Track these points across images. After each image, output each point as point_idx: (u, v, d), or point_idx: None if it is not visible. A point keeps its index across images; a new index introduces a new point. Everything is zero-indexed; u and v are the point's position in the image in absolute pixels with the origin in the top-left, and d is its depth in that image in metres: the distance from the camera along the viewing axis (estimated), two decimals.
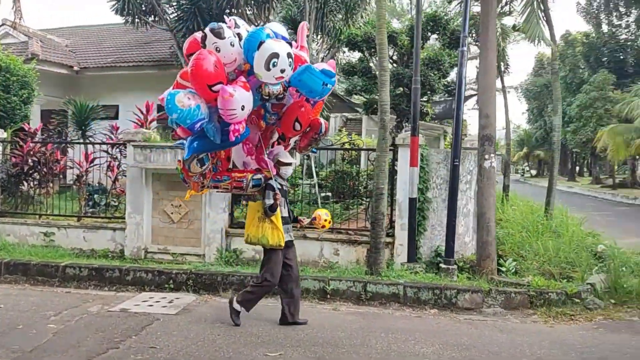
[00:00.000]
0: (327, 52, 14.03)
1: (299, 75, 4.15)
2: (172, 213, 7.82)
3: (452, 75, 11.10)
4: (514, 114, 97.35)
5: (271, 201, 4.67)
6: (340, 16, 12.31)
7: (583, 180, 40.69)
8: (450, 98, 13.16)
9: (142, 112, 9.64)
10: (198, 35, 4.26)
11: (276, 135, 4.76)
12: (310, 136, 4.72)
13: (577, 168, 50.86)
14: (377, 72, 6.78)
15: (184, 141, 4.38)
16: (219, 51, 3.97)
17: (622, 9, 32.74)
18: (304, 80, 4.15)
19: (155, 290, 6.42)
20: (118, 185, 9.01)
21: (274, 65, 3.87)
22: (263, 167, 4.73)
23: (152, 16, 12.67)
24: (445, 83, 10.66)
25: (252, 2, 11.57)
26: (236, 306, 4.99)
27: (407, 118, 10.10)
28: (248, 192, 4.79)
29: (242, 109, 3.96)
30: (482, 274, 6.44)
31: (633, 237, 10.96)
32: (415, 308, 5.84)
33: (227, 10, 11.99)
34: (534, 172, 62.07)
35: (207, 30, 4.02)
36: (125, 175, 8.60)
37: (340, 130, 17.91)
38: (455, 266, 6.57)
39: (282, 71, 3.96)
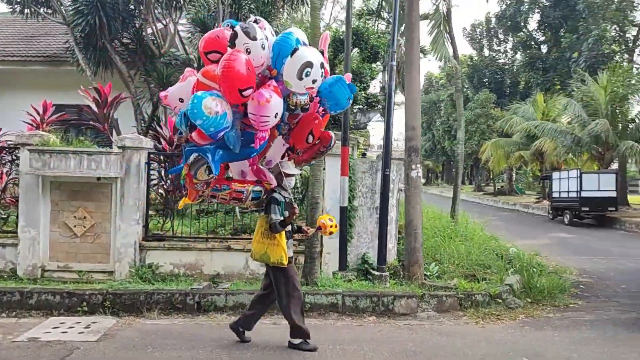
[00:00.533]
0: None
1: (330, 86, 3.93)
2: (74, 226, 6.99)
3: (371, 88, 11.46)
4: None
5: (278, 216, 4.37)
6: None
7: (466, 188, 44.66)
8: (362, 109, 13.59)
9: (37, 113, 8.53)
10: (221, 32, 3.87)
11: (285, 147, 4.38)
12: (317, 149, 4.47)
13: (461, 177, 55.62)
14: None
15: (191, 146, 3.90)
16: (249, 53, 3.61)
17: (501, 36, 36.73)
18: (334, 92, 3.95)
19: (65, 314, 5.66)
20: (7, 195, 7.87)
21: (306, 75, 3.62)
22: (262, 178, 4.40)
23: (46, 7, 11.34)
24: (366, 95, 10.91)
25: (162, 0, 10.90)
26: (296, 342, 4.63)
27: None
28: (246, 204, 4.45)
29: (275, 117, 3.67)
30: (411, 280, 6.65)
31: (523, 239, 12.22)
32: (354, 317, 5.82)
33: (133, 7, 11.18)
34: (423, 180, 66.74)
35: (237, 28, 3.67)
36: (17, 184, 7.53)
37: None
38: (387, 273, 6.70)
39: (314, 82, 3.72)
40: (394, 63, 7.03)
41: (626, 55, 25.17)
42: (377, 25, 15.51)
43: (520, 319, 5.85)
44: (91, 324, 5.27)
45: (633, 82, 20.47)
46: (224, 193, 4.26)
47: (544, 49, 32.18)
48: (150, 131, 10.50)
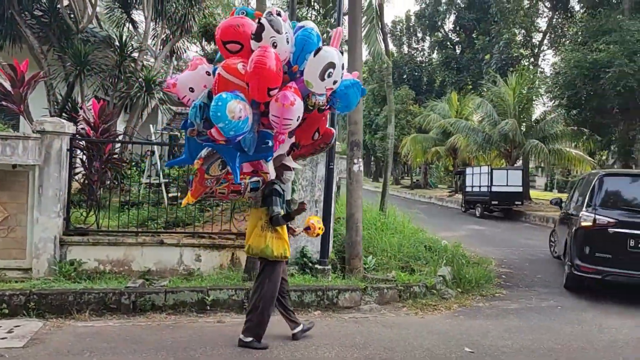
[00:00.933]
0: (164, 40, 12.94)
1: (346, 88, 3.86)
2: None
3: None
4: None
5: (279, 209, 4.21)
6: (182, 1, 11.46)
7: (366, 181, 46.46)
8: None
9: None
10: (240, 21, 3.59)
11: (289, 143, 4.24)
12: (318, 145, 4.38)
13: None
14: None
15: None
16: (275, 47, 3.39)
17: (419, 35, 38.41)
18: (349, 95, 3.91)
19: None
20: None
21: (328, 76, 3.50)
22: (259, 169, 4.18)
23: None
24: None
25: None
26: (248, 339, 4.41)
27: None
28: (246, 196, 4.25)
29: (297, 120, 3.56)
30: (352, 273, 6.75)
31: (443, 232, 12.93)
32: (300, 312, 5.77)
33: None
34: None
35: (264, 20, 3.46)
36: None
37: (169, 125, 16.72)
38: (329, 267, 6.75)
39: (334, 83, 3.62)
40: None
41: (532, 60, 27.51)
42: (311, 16, 15.44)
43: (454, 308, 6.19)
44: (14, 328, 4.73)
45: (536, 85, 22.45)
46: (222, 186, 4.05)
47: (459, 49, 34.18)
48: (64, 114, 9.62)
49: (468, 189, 20.32)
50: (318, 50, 3.55)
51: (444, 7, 34.28)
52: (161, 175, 10.29)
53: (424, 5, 35.50)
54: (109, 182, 8.36)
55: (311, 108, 3.78)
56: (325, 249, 6.78)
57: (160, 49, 12.74)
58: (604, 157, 28.10)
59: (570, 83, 15.75)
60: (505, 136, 20.47)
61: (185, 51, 14.14)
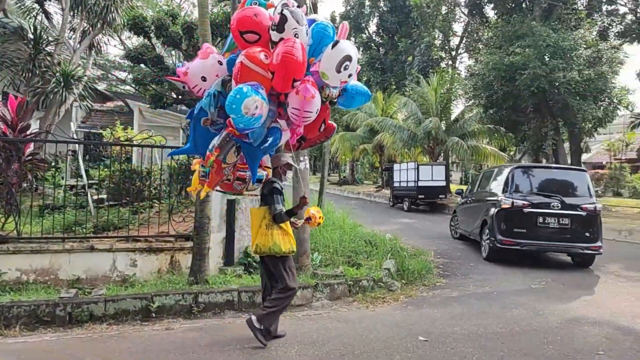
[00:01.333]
0: (83, 33, 12.05)
1: (357, 93, 4.02)
2: None
3: None
4: None
5: (281, 206, 4.25)
6: None
7: (312, 178, 46.82)
8: None
9: None
10: (258, 11, 3.55)
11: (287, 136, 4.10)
12: (319, 138, 4.36)
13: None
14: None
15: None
16: (297, 38, 3.37)
17: None
18: (355, 99, 4.07)
19: None
20: None
21: (345, 69, 3.54)
22: (262, 163, 4.18)
23: None
24: None
25: None
26: (257, 325, 4.41)
27: None
28: (249, 187, 4.24)
29: (316, 112, 3.55)
30: (301, 270, 6.71)
31: (376, 225, 13.27)
32: (251, 312, 5.63)
33: None
34: None
35: (286, 12, 3.43)
36: None
37: (84, 122, 15.65)
38: None
39: (349, 76, 3.67)
40: None
41: (450, 62, 29.09)
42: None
43: (401, 299, 6.37)
44: None
45: (455, 86, 23.80)
46: (227, 175, 4.00)
47: (383, 51, 35.29)
48: None
49: (396, 184, 21.08)
50: (336, 43, 3.58)
51: (368, 10, 35.19)
52: (85, 177, 9.61)
53: (349, 7, 36.19)
54: (27, 185, 7.66)
55: (324, 100, 3.77)
56: None
57: (78, 43, 11.85)
58: (512, 153, 30.44)
59: (488, 84, 16.88)
60: (428, 134, 21.48)
61: (105, 45, 13.27)
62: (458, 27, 29.86)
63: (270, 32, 3.55)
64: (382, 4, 34.10)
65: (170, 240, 7.07)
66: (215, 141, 3.70)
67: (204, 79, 3.86)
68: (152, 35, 8.93)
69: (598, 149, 34.84)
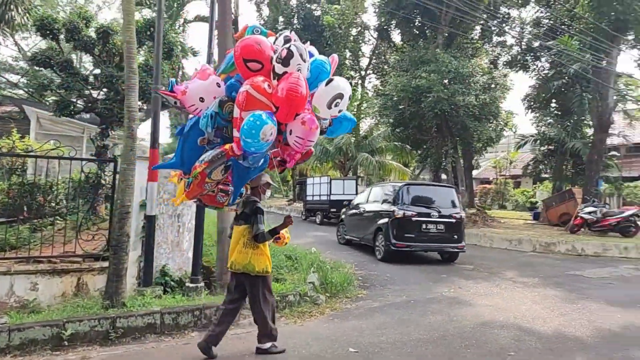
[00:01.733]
0: None
1: (344, 119, 4.19)
2: None
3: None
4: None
5: (263, 227, 4.43)
6: None
7: None
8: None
9: None
10: (261, 41, 3.75)
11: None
12: (297, 161, 4.36)
13: None
14: (125, 75, 5.87)
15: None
16: (300, 74, 3.64)
17: None
18: (343, 125, 4.30)
19: None
20: None
21: (336, 105, 3.73)
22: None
23: None
24: None
25: None
26: (266, 346, 4.71)
27: (114, 124, 8.95)
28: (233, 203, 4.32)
29: (314, 142, 3.81)
30: (224, 287, 6.54)
31: (292, 239, 13.36)
32: (175, 335, 5.40)
33: None
34: None
35: (293, 47, 3.61)
36: None
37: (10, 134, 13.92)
38: (202, 284, 6.44)
39: (340, 111, 3.88)
40: (211, 65, 6.81)
41: (360, 81, 30.36)
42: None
43: (327, 313, 6.48)
44: None
45: (364, 106, 24.90)
46: (210, 188, 4.06)
47: None
48: None
49: (309, 198, 21.40)
50: (330, 80, 3.75)
51: (282, 26, 35.60)
52: None
53: (262, 22, 36.31)
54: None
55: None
56: (197, 266, 6.46)
57: None
58: (412, 168, 32.44)
59: (396, 104, 17.91)
60: (340, 149, 22.17)
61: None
62: (367, 49, 31.37)
63: (275, 63, 3.69)
64: (295, 22, 34.70)
65: (77, 261, 6.52)
66: (206, 156, 3.75)
67: (201, 99, 3.93)
68: (61, 38, 8.22)
69: (485, 165, 38.31)
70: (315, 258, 8.91)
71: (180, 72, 19.35)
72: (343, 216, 14.03)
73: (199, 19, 26.96)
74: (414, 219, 10.43)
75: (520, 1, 21.61)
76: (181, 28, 17.62)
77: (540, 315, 6.41)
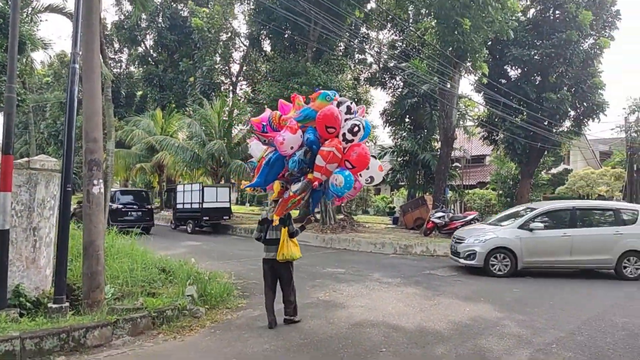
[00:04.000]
0: None
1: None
2: None
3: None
4: None
5: (295, 227, 6.40)
6: None
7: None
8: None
9: None
10: (337, 111, 5.75)
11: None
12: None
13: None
14: None
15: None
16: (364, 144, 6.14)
17: (116, 45, 36.29)
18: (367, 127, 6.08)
19: None
20: None
21: (367, 182, 6.41)
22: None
23: None
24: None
25: None
26: (296, 318, 6.53)
27: None
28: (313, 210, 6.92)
29: None
30: (95, 306, 6.07)
31: (161, 250, 12.77)
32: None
33: None
34: None
35: (359, 122, 5.77)
36: None
37: None
38: (67, 304, 5.87)
39: (366, 181, 6.34)
40: (77, 65, 6.26)
41: (231, 87, 30.07)
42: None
43: (208, 325, 6.39)
44: None
45: (236, 113, 24.79)
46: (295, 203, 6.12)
47: (162, 67, 34.02)
48: None
49: (179, 206, 20.56)
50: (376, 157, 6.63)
51: (146, 24, 33.61)
52: None
53: (123, 17, 33.86)
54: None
55: None
56: (62, 284, 5.87)
57: None
58: None
59: None
60: (212, 155, 21.73)
61: None
62: (238, 56, 31.24)
63: (347, 133, 5.73)
64: (160, 20, 33.04)
65: None
66: (298, 187, 5.87)
67: (292, 147, 5.82)
68: None
69: None
70: (192, 269, 8.66)
71: (29, 68, 17.20)
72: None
73: (51, 9, 24.13)
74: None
75: (378, 24, 23.63)
76: (28, 18, 15.65)
77: (404, 312, 7.14)
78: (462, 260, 11.11)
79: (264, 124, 6.24)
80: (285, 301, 6.49)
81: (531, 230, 10.68)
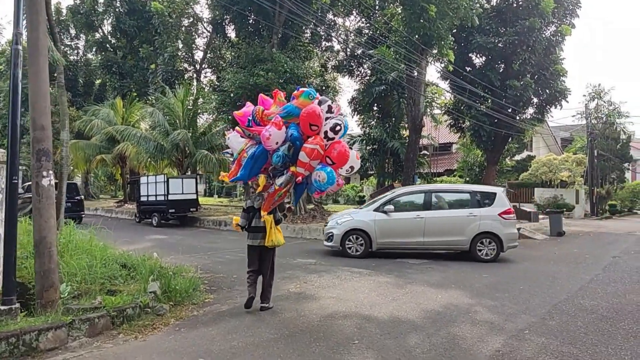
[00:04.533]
0: None
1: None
2: None
3: None
4: None
5: (280, 216, 6.78)
6: None
7: None
8: None
9: None
10: (321, 111, 6.10)
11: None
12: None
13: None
14: None
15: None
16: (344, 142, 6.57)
17: (72, 31, 34.62)
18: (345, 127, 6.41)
19: None
20: None
21: (346, 172, 6.57)
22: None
23: None
24: None
25: None
26: (270, 304, 6.72)
27: None
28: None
29: None
30: (48, 306, 5.65)
31: (125, 245, 12.26)
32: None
33: None
34: None
35: (340, 121, 6.17)
36: None
37: None
38: (18, 305, 5.43)
39: (346, 172, 6.56)
40: (19, 47, 5.74)
41: (195, 75, 29.18)
42: None
43: (172, 323, 6.06)
44: None
45: (200, 101, 24.10)
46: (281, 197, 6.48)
47: (121, 54, 32.71)
48: None
49: (143, 199, 19.87)
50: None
51: (102, 8, 32.14)
52: None
53: (79, 2, 32.26)
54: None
55: None
56: (11, 284, 5.42)
57: None
58: None
59: (234, 101, 17.72)
60: (176, 145, 21.07)
61: None
62: (202, 42, 30.27)
63: (329, 131, 6.08)
64: (118, 4, 31.65)
65: None
66: (282, 180, 6.15)
67: (277, 143, 6.04)
68: None
69: None
70: (156, 264, 8.26)
71: None
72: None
73: None
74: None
75: (344, 10, 23.35)
76: None
77: (376, 302, 7.01)
78: (325, 243, 11.80)
79: (249, 118, 6.43)
80: (266, 286, 6.73)
81: (386, 212, 11.15)
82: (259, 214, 6.56)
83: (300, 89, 6.30)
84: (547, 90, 22.20)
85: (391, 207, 11.15)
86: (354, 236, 11.22)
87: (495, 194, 11.28)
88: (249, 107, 6.77)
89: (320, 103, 6.24)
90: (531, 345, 5.22)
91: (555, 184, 28.73)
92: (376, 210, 11.30)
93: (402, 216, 11.16)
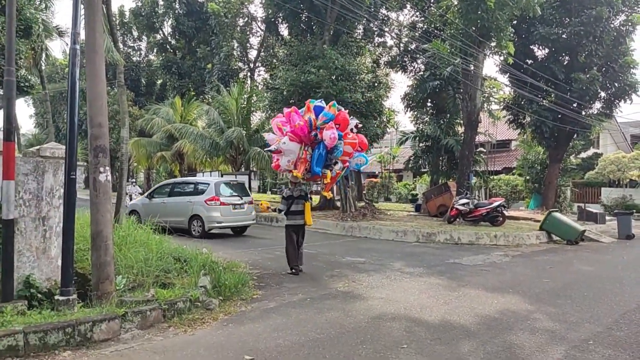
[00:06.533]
0: None
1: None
2: None
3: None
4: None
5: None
6: None
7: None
8: None
9: None
10: (346, 114, 9.21)
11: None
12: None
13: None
14: None
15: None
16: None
17: (135, 33, 36.33)
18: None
19: None
20: None
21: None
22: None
23: None
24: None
25: None
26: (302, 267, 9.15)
27: None
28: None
29: None
30: (104, 298, 5.86)
31: (178, 239, 12.62)
32: (43, 357, 4.66)
33: None
34: None
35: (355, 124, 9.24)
36: None
37: None
38: (75, 296, 5.67)
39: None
40: (77, 46, 5.98)
41: (249, 73, 29.74)
42: None
43: (221, 318, 6.11)
44: None
45: (254, 99, 24.47)
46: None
47: (180, 54, 33.95)
48: None
49: None
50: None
51: (162, 10, 33.45)
52: None
53: (140, 4, 33.76)
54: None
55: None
56: (68, 275, 5.66)
57: None
58: None
59: (286, 99, 17.82)
60: (231, 143, 21.52)
61: None
62: (255, 41, 30.83)
63: (354, 128, 9.17)
64: (177, 6, 32.83)
65: None
66: (339, 165, 9.00)
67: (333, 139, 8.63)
68: None
69: (371, 160, 40.26)
70: (207, 259, 8.42)
71: (43, 55, 17.17)
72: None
73: None
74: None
75: (397, 4, 22.85)
76: (43, 4, 15.56)
77: (427, 305, 6.75)
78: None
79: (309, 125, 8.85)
80: (300, 253, 9.07)
81: (150, 198, 15.29)
82: (296, 201, 8.93)
83: (330, 103, 9.11)
84: (616, 84, 20.68)
85: (153, 194, 15.42)
86: (133, 215, 14.34)
87: (208, 184, 14.41)
88: (279, 117, 9.39)
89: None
90: (596, 358, 4.80)
91: (624, 184, 26.79)
92: (147, 196, 15.63)
93: (156, 201, 14.94)
